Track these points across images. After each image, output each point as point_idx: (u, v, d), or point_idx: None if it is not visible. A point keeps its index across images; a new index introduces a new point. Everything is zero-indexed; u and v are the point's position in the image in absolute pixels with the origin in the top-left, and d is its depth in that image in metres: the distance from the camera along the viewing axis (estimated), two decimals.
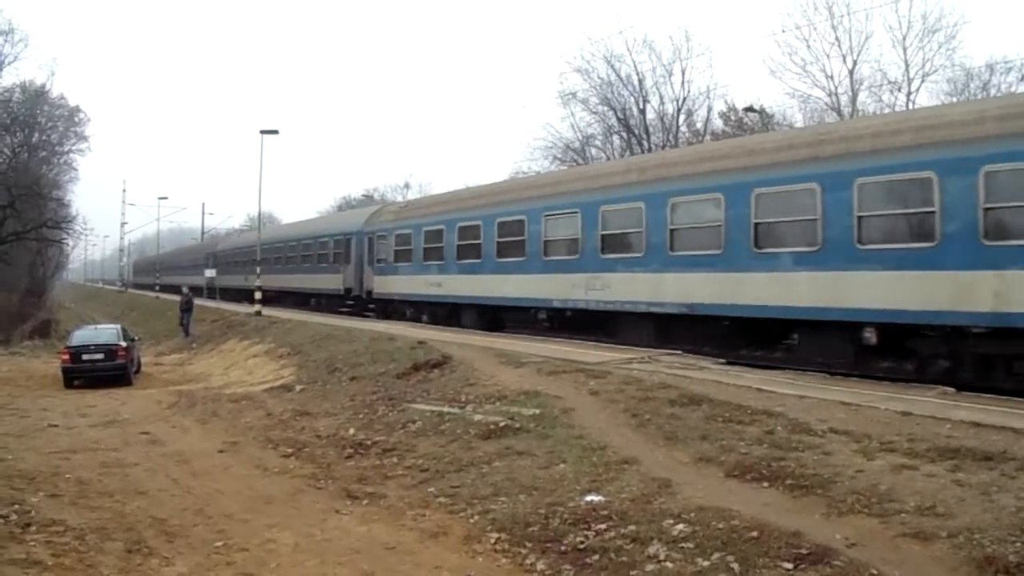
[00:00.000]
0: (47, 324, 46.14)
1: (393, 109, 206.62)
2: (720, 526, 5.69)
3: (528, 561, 5.83)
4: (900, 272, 11.71)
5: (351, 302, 29.92)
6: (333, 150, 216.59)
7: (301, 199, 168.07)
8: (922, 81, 34.62)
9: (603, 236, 17.14)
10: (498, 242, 20.56)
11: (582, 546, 5.83)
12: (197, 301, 37.55)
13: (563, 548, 5.88)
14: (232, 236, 63.05)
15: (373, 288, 27.46)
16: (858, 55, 35.80)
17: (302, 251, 35.76)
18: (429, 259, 23.84)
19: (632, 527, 5.96)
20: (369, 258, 28.01)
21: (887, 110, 32.69)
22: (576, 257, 17.80)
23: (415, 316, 25.05)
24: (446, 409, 10.94)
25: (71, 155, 60.30)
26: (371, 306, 28.33)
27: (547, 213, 18.89)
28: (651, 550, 5.53)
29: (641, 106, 41.68)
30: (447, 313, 23.34)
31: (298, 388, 15.71)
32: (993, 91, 31.32)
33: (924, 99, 33.75)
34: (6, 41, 47.20)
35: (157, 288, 63.75)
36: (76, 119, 58.76)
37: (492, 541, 6.26)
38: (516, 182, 27.34)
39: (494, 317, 22.06)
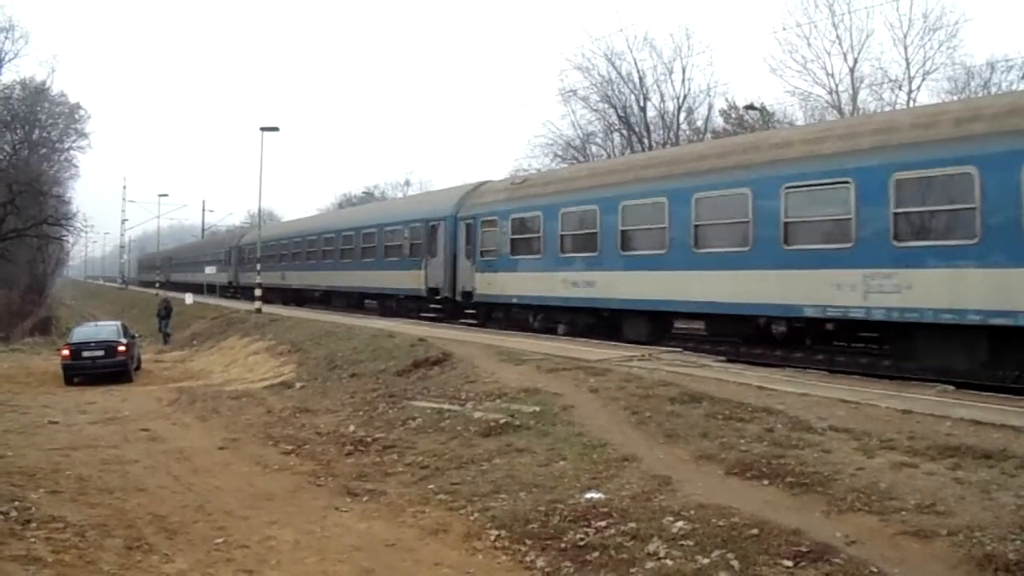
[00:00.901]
0: (47, 321, 46.17)
1: (393, 107, 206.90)
2: (720, 523, 5.69)
3: (528, 558, 5.83)
4: None
5: (437, 305, 23.87)
6: (333, 148, 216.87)
7: (301, 196, 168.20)
8: (923, 79, 34.58)
9: (897, 215, 12.02)
10: (697, 226, 14.97)
11: (582, 543, 5.83)
12: (209, 300, 36.31)
13: (563, 545, 5.88)
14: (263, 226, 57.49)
15: (475, 288, 21.42)
16: (859, 53, 35.73)
17: (362, 243, 28.92)
18: (571, 250, 18.07)
19: (632, 524, 5.96)
20: (468, 250, 21.91)
21: (888, 108, 32.66)
22: (847, 246, 12.59)
23: (545, 325, 19.33)
24: (446, 406, 10.94)
25: (71, 152, 60.45)
26: (468, 311, 22.55)
27: (790, 185, 13.40)
28: (651, 547, 5.53)
29: (642, 104, 41.69)
30: (596, 321, 17.87)
31: (298, 385, 15.72)
32: (994, 89, 31.28)
33: (925, 97, 33.74)
34: (6, 38, 47.34)
35: (157, 285, 63.65)
36: (76, 116, 58.91)
37: (492, 538, 6.26)
38: (727, 144, 19.23)
39: (667, 325, 17.37)
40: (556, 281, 18.33)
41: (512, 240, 20.15)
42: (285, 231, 40.72)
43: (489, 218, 21.27)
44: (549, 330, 18.83)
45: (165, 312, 32.11)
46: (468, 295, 22.00)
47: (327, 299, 33.02)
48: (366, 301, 30.14)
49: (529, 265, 19.51)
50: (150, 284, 68.75)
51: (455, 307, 23.16)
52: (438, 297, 23.61)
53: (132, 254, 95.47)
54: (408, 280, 25.22)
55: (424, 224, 24.52)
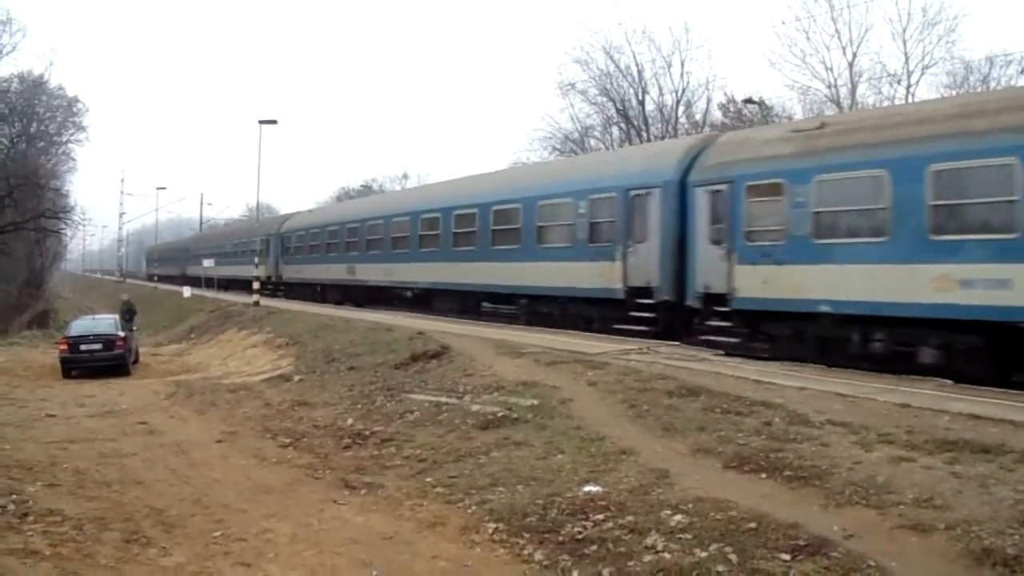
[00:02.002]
0: (45, 314, 46.18)
1: (391, 101, 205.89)
2: (718, 517, 5.70)
3: (526, 551, 5.83)
4: None
5: (647, 313, 16.00)
6: (331, 141, 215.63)
7: (299, 189, 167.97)
8: (922, 74, 34.55)
9: None
10: None
11: (580, 537, 5.84)
12: (240, 298, 31.85)
13: (561, 539, 5.88)
14: (316, 210, 44.66)
15: (734, 289, 14.03)
16: (858, 47, 35.66)
17: (493, 223, 20.55)
18: (955, 229, 11.15)
19: (630, 518, 5.96)
20: (716, 231, 14.58)
21: (887, 103, 32.64)
22: None
23: (891, 349, 12.02)
24: (444, 399, 10.94)
25: (69, 145, 60.20)
26: (712, 323, 14.70)
27: None
28: (649, 541, 5.54)
29: (640, 97, 41.63)
30: (992, 344, 10.93)
31: (296, 378, 15.71)
32: (993, 84, 31.27)
33: (924, 92, 33.69)
34: (4, 31, 47.03)
35: (155, 279, 63.55)
36: (74, 109, 58.68)
37: (490, 531, 6.26)
38: None
39: None
40: (921, 278, 11.50)
41: (816, 214, 12.93)
42: (354, 211, 31.44)
43: (764, 181, 13.86)
44: (899, 356, 11.78)
45: (128, 315, 28.21)
46: (715, 298, 14.57)
47: (426, 300, 24.47)
48: (486, 304, 22.04)
49: (859, 253, 12.34)
50: (166, 279, 60.84)
51: (683, 315, 15.62)
52: (648, 301, 16.00)
53: (131, 247, 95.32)
54: (587, 276, 17.19)
55: (621, 194, 16.59)
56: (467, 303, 22.61)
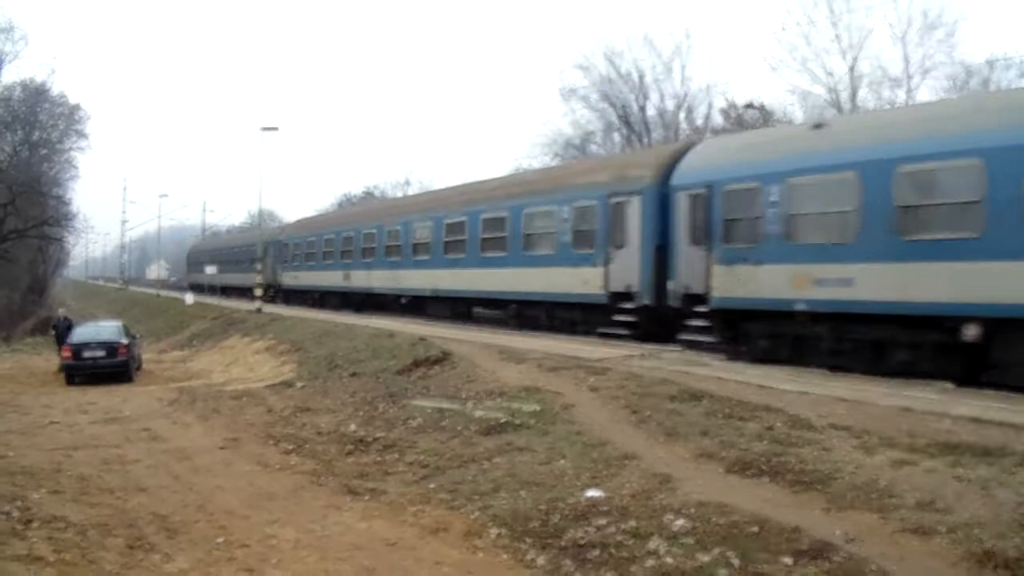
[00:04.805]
0: (48, 321, 46.15)
1: (392, 106, 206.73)
2: (720, 521, 5.71)
3: (528, 556, 5.85)
4: None
5: None
6: (333, 147, 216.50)
7: (301, 196, 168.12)
8: (922, 77, 34.59)
9: None
10: None
11: (582, 541, 5.85)
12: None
13: (563, 543, 5.90)
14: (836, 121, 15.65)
15: None
16: (858, 52, 35.73)
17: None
18: None
19: (632, 522, 5.97)
20: None
21: (887, 107, 32.65)
22: None
23: None
24: (447, 405, 10.95)
25: (71, 153, 60.26)
26: None
27: None
28: (651, 545, 5.55)
29: (641, 103, 41.77)
30: None
31: (299, 385, 15.73)
32: (993, 87, 31.28)
33: (924, 95, 33.71)
34: (7, 39, 47.25)
35: (159, 287, 63.54)
36: (76, 117, 58.67)
37: (492, 537, 6.27)
38: None
39: None
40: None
41: None
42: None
43: None
44: None
45: (66, 331, 24.96)
46: None
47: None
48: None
49: None
50: (209, 289, 43.49)
51: None
52: None
53: (133, 254, 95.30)
54: None
55: None
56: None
